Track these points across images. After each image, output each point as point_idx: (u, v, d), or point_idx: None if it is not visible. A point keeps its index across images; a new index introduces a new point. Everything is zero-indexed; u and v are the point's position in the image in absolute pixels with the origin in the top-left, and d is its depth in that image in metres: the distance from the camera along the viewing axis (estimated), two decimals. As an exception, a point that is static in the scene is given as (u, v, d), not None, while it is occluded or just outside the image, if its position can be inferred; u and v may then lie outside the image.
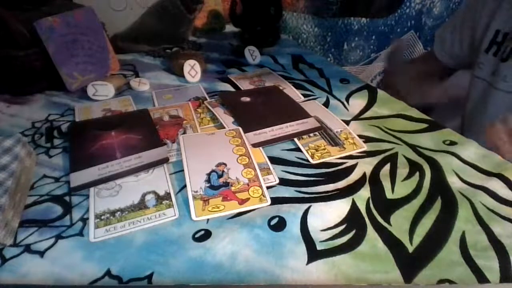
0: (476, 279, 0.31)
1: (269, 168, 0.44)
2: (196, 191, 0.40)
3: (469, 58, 0.71)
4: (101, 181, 0.41)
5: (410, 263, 0.33)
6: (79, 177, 0.41)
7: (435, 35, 0.79)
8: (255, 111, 0.56)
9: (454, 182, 0.42)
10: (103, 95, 0.61)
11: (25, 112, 0.57)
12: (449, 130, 0.52)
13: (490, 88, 0.64)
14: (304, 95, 0.63)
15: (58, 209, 0.38)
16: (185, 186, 0.41)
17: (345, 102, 0.61)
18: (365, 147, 0.49)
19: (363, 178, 0.43)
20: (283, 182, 0.42)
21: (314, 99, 0.62)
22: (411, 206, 0.39)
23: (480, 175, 0.44)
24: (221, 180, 0.41)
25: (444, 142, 0.50)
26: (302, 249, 0.34)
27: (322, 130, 0.52)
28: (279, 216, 0.37)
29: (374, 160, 0.46)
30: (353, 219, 0.37)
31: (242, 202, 0.39)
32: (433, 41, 0.79)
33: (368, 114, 0.58)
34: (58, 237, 0.35)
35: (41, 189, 0.41)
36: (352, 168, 0.45)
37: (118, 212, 0.37)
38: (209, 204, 0.38)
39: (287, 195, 0.40)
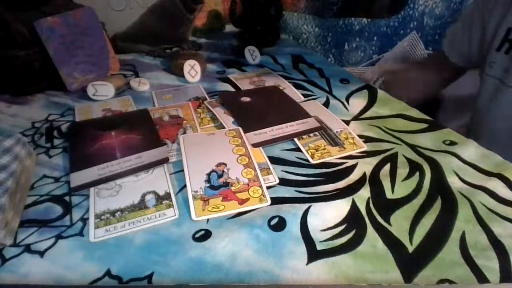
0: (476, 279, 0.31)
1: (269, 168, 0.44)
2: (196, 191, 0.40)
3: (479, 57, 0.71)
4: (101, 181, 0.41)
5: (410, 263, 0.33)
6: (79, 177, 0.41)
7: (446, 34, 0.78)
8: (255, 111, 0.56)
9: (454, 182, 0.42)
10: (103, 95, 0.61)
11: (25, 112, 0.57)
12: (449, 130, 0.52)
13: (502, 86, 0.64)
14: (304, 95, 0.63)
15: (58, 209, 0.38)
16: (185, 186, 0.41)
17: (345, 102, 0.61)
18: (365, 147, 0.49)
19: (363, 178, 0.43)
20: (283, 182, 0.42)
21: (314, 99, 0.62)
22: (411, 206, 0.39)
23: (480, 175, 0.44)
24: (221, 180, 0.41)
25: (444, 142, 0.50)
26: (302, 249, 0.34)
27: (322, 130, 0.52)
28: (279, 216, 0.37)
29: (374, 160, 0.46)
30: (353, 219, 0.37)
31: (242, 202, 0.39)
32: (435, 42, 0.79)
33: (368, 114, 0.58)
34: (58, 237, 0.35)
35: (41, 189, 0.41)
36: (352, 168, 0.45)
37: (118, 212, 0.37)
38: (209, 204, 0.38)
39: (287, 195, 0.40)
